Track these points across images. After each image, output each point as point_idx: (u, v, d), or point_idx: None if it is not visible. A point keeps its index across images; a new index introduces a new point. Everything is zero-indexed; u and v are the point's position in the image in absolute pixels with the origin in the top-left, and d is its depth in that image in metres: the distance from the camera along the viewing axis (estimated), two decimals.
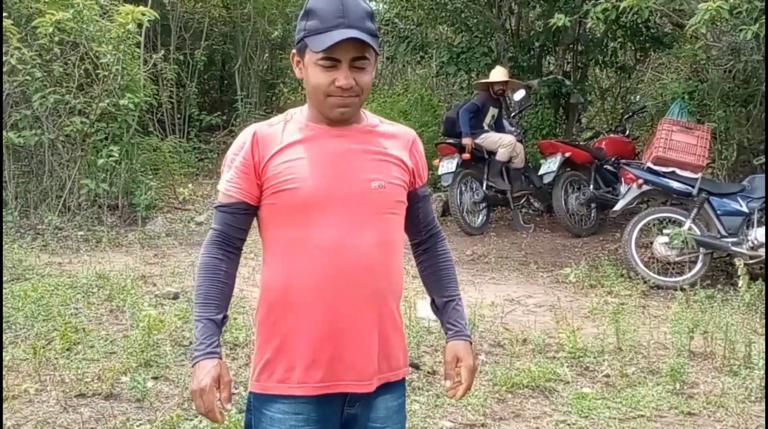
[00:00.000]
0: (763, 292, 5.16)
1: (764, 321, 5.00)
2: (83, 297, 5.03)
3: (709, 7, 5.33)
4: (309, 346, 1.70)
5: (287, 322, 1.71)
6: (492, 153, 8.05)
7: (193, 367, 1.68)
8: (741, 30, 5.62)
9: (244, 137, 1.74)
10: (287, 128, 1.73)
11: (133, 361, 3.88)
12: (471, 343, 1.89)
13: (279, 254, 1.72)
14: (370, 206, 1.71)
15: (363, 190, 1.71)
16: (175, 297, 5.13)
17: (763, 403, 3.76)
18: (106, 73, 7.20)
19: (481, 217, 8.14)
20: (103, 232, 6.85)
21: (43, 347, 3.95)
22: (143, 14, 7.10)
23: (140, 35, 7.70)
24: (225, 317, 1.72)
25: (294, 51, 1.73)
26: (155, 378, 3.77)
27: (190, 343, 4.23)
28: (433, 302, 1.95)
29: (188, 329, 4.38)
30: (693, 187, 6.21)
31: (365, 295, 1.71)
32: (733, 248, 6.01)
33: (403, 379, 1.85)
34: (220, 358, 1.68)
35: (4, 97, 7.03)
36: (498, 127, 8.27)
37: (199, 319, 1.69)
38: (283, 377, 1.72)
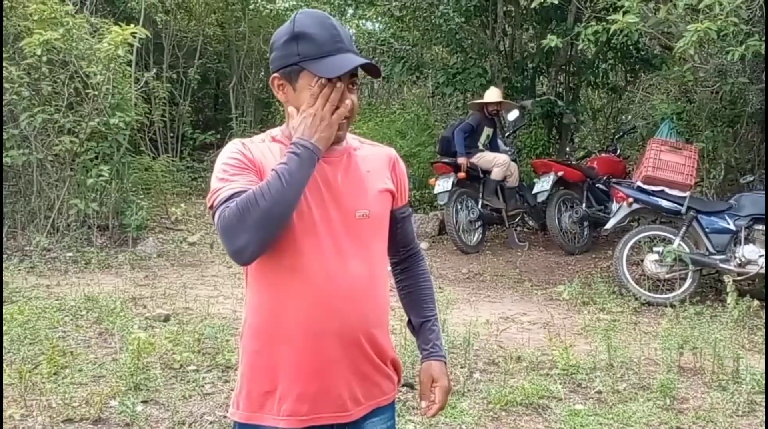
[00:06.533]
0: (751, 309, 5.19)
1: (764, 335, 5.04)
2: (71, 320, 5.00)
3: (698, 29, 5.40)
4: (297, 379, 1.68)
5: (275, 352, 1.69)
6: (487, 172, 8.08)
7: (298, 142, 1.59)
8: (728, 52, 5.69)
9: (233, 146, 1.70)
10: (273, 148, 1.71)
11: (122, 385, 3.84)
12: (445, 363, 1.89)
13: (266, 282, 1.69)
14: (355, 236, 1.69)
15: (348, 220, 1.69)
16: (166, 319, 5.10)
17: (751, 418, 3.78)
18: (96, 92, 7.17)
19: (476, 236, 8.16)
20: (92, 253, 6.80)
21: (30, 371, 3.89)
22: (134, 34, 7.10)
23: (131, 54, 7.70)
24: None
25: (276, 75, 1.70)
26: (145, 402, 3.73)
27: (181, 366, 4.20)
28: (409, 322, 1.94)
29: (179, 352, 4.35)
30: (682, 205, 6.26)
31: (353, 327, 1.69)
32: (722, 265, 6.05)
33: (393, 402, 1.84)
34: None
35: None
36: (493, 146, 8.31)
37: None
38: (268, 408, 1.69)
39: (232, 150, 1.68)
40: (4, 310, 4.98)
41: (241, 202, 1.54)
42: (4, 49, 6.86)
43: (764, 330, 5.15)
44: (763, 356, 4.68)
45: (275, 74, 1.70)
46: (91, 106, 7.23)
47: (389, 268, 1.95)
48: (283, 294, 1.66)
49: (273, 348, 1.69)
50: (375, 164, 1.79)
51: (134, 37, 7.16)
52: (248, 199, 1.53)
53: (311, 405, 1.68)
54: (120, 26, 7.14)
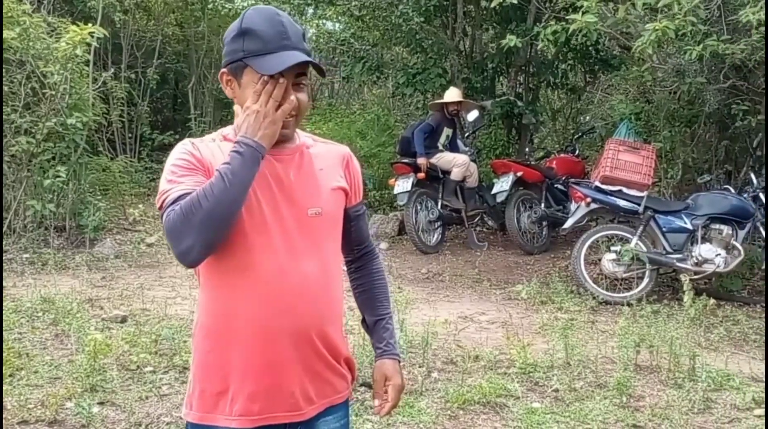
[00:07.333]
0: (707, 307, 5.30)
1: (719, 333, 5.16)
2: (27, 321, 4.93)
3: (656, 28, 5.50)
4: (248, 378, 1.67)
5: (226, 352, 1.68)
6: (446, 172, 8.12)
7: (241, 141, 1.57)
8: (686, 51, 5.80)
9: (182, 146, 1.69)
10: (223, 147, 1.68)
11: (78, 386, 3.81)
12: (399, 362, 1.90)
13: (218, 280, 1.68)
14: (308, 234, 1.69)
15: (300, 218, 1.68)
16: (123, 320, 5.06)
17: (706, 415, 3.87)
18: (53, 92, 7.06)
19: (436, 236, 8.19)
20: (49, 255, 6.70)
21: None
22: (92, 34, 6.99)
23: (89, 53, 7.58)
24: None
25: (224, 70, 1.69)
26: (101, 403, 3.71)
27: (138, 367, 4.17)
28: (363, 321, 1.95)
29: (136, 353, 4.31)
30: (639, 205, 6.35)
31: (305, 325, 1.68)
32: (678, 264, 6.16)
33: (347, 401, 1.84)
34: None
35: None
36: (452, 147, 8.36)
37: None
38: (221, 408, 1.68)
39: (180, 151, 1.67)
40: None
41: (185, 204, 1.53)
42: None
43: (731, 328, 5.26)
44: (719, 354, 4.79)
45: (223, 70, 1.70)
46: (48, 106, 7.10)
47: (344, 267, 1.95)
48: (234, 293, 1.66)
49: (224, 348, 1.68)
50: (328, 162, 1.79)
51: (92, 36, 7.05)
52: (192, 200, 1.53)
53: (263, 404, 1.68)
54: (78, 26, 7.02)
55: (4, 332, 4.60)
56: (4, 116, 6.89)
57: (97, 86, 8.14)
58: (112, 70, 9.13)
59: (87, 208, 7.33)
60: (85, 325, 4.74)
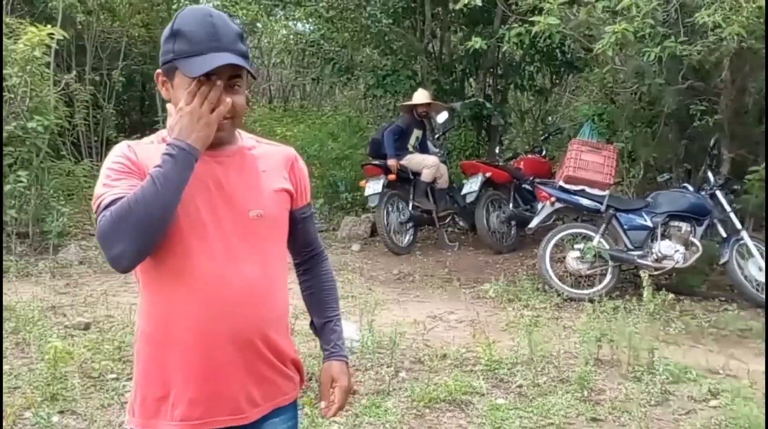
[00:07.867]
0: (666, 302, 5.41)
1: (677, 327, 5.26)
2: None
3: (616, 30, 5.58)
4: (188, 383, 1.65)
5: (166, 358, 1.65)
6: (417, 174, 8.15)
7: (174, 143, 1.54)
8: (645, 52, 5.89)
9: (118, 149, 1.66)
10: (161, 149, 1.64)
11: (37, 396, 3.74)
12: (347, 364, 1.89)
13: (156, 286, 1.65)
14: (249, 237, 1.66)
15: (241, 220, 1.66)
16: (86, 327, 4.99)
17: (664, 407, 3.94)
18: (13, 95, 6.94)
19: (408, 237, 8.22)
20: (11, 262, 6.58)
21: None
22: (51, 36, 6.89)
23: (49, 55, 7.46)
24: None
25: (159, 71, 1.67)
26: (61, 412, 3.65)
27: (100, 375, 4.11)
28: (312, 323, 1.94)
29: (98, 360, 4.26)
30: (601, 203, 6.44)
31: (248, 329, 1.66)
32: (639, 261, 6.25)
33: (295, 402, 1.83)
34: None
35: None
36: (422, 148, 8.39)
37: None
38: (163, 414, 1.67)
39: (117, 153, 1.64)
40: None
41: (115, 210, 1.50)
42: None
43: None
44: (677, 347, 4.88)
45: (158, 71, 1.68)
46: (8, 110, 6.98)
47: (295, 270, 1.94)
48: (173, 298, 1.63)
49: (164, 353, 1.65)
50: (271, 164, 1.77)
51: (51, 38, 6.95)
52: (122, 205, 1.50)
53: (204, 409, 1.66)
54: (37, 27, 6.92)
55: None
56: None
57: (59, 89, 8.01)
58: (74, 72, 8.99)
59: (50, 213, 7.21)
60: (47, 333, 4.65)
